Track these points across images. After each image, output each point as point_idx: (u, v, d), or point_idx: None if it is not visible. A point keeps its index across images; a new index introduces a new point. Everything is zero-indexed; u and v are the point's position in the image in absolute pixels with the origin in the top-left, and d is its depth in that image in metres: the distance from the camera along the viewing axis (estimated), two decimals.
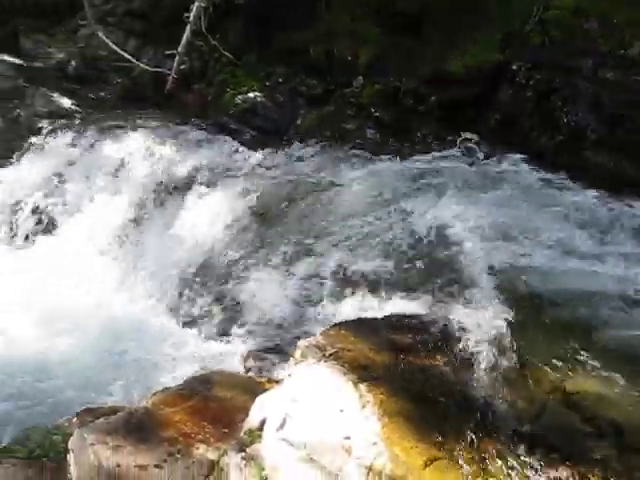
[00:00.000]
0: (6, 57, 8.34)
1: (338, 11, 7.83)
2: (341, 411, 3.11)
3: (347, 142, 6.76)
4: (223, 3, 7.65)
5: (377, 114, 7.13)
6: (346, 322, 4.04)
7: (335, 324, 3.95)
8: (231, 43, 7.64)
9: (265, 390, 3.73)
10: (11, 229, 7.10)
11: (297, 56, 7.71)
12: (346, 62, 7.57)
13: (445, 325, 3.81)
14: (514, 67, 6.83)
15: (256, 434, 3.31)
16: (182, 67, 7.72)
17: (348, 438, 3.01)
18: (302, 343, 3.60)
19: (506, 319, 3.78)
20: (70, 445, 3.62)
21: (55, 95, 7.97)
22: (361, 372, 3.33)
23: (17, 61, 8.36)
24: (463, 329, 3.72)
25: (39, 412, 4.41)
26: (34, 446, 3.85)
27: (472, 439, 3.14)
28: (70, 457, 3.59)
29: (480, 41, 7.13)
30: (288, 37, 7.74)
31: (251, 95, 7.61)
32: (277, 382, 3.75)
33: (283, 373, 3.58)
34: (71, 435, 3.70)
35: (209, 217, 5.89)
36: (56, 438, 3.85)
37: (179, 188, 6.37)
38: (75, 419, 3.91)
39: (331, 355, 3.44)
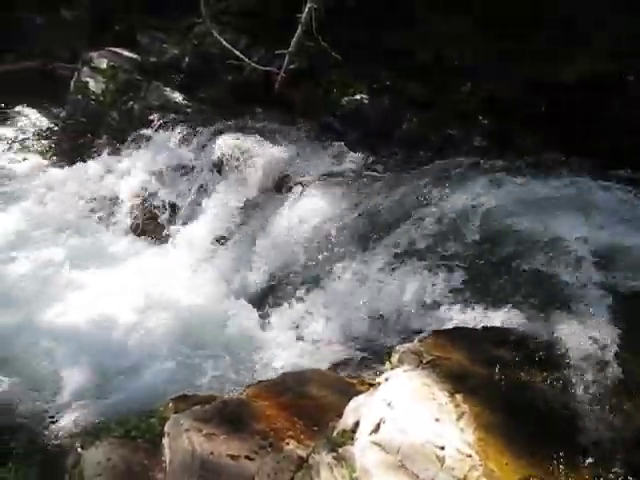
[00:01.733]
0: (124, 52, 8.68)
1: (443, 13, 7.73)
2: (436, 420, 3.08)
3: (453, 149, 6.67)
4: (334, 4, 7.68)
5: (485, 121, 7.02)
6: (444, 331, 4.02)
7: (433, 332, 3.92)
8: (339, 44, 7.66)
9: (357, 391, 3.75)
10: (117, 219, 7.39)
11: (403, 59, 7.66)
12: (452, 66, 7.48)
13: (546, 341, 3.72)
14: (629, 78, 6.60)
15: (349, 435, 3.32)
16: (291, 67, 7.80)
17: (442, 448, 2.98)
18: (399, 348, 3.60)
19: (612, 338, 3.65)
20: (166, 429, 3.74)
21: (168, 90, 8.22)
22: (458, 382, 3.30)
23: (134, 56, 8.68)
24: (566, 346, 3.62)
25: (138, 394, 4.57)
26: (131, 427, 3.98)
27: (568, 461, 3.05)
28: (165, 441, 3.70)
29: (590, 48, 6.89)
30: (395, 39, 7.71)
31: (357, 97, 7.62)
32: (370, 385, 3.74)
33: (378, 376, 3.57)
34: (167, 420, 3.81)
35: (310, 218, 5.92)
36: (153, 421, 3.96)
37: (283, 187, 6.44)
38: (170, 404, 4.00)
39: (428, 363, 3.42)
